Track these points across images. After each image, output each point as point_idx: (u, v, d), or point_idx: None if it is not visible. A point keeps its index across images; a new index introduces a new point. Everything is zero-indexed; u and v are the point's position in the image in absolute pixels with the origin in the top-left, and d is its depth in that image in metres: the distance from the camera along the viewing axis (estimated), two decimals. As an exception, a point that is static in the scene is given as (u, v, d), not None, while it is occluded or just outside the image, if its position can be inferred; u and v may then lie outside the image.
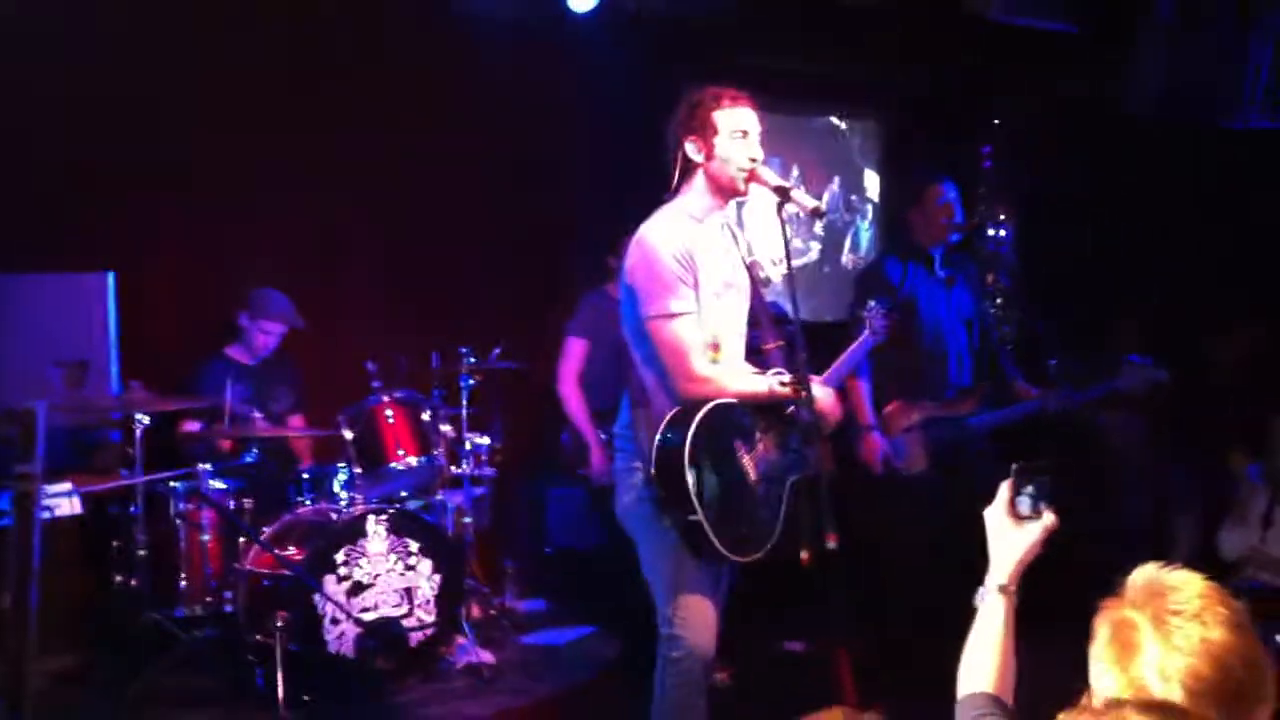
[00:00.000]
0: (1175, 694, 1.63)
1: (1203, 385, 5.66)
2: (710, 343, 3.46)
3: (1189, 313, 6.24)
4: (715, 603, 3.48)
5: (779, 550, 3.57)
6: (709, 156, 3.45)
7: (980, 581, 2.17)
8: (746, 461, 3.43)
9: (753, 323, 3.70)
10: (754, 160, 3.43)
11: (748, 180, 3.46)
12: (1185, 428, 5.87)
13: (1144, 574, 1.76)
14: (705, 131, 3.44)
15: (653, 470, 3.33)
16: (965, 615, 2.19)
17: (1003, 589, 2.12)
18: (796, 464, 3.52)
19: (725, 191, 3.50)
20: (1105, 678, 1.72)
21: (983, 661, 2.07)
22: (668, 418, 3.34)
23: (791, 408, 3.46)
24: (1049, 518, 2.15)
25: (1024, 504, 2.16)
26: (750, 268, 3.71)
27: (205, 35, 5.57)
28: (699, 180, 3.49)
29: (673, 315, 3.35)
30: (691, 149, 3.46)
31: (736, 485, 3.39)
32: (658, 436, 3.33)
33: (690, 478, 3.24)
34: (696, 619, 3.41)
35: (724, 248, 3.57)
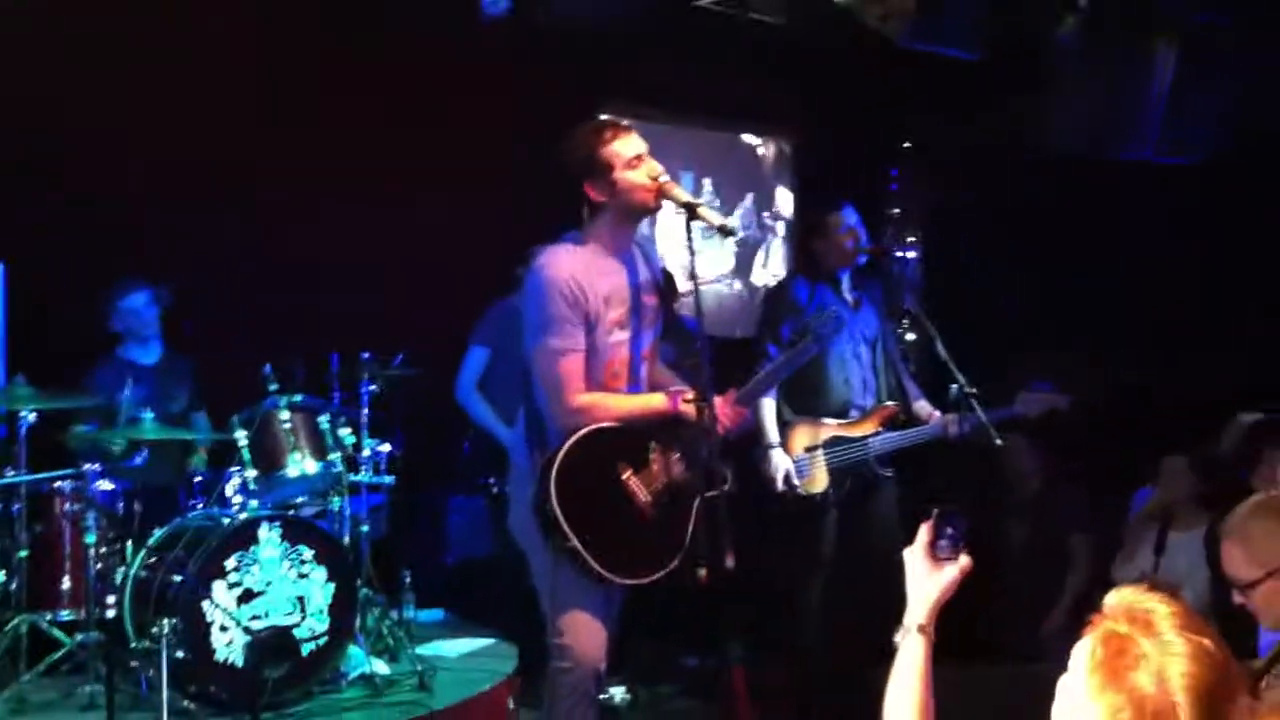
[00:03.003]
0: (1179, 698, 1.65)
1: (1102, 411, 5.76)
2: (611, 372, 3.50)
3: (1090, 339, 6.37)
4: (605, 615, 3.48)
5: (677, 569, 3.57)
6: (614, 191, 3.46)
7: (880, 605, 2.22)
8: (634, 483, 3.44)
9: (669, 339, 3.72)
10: (656, 178, 3.45)
11: (658, 196, 3.47)
12: (1083, 453, 5.98)
13: (1119, 594, 1.78)
14: (602, 170, 3.45)
15: (531, 498, 3.38)
16: (865, 633, 2.24)
17: (921, 628, 2.18)
18: (701, 481, 3.49)
19: (634, 215, 3.54)
20: (1088, 705, 1.71)
21: (904, 701, 2.13)
22: (549, 453, 3.37)
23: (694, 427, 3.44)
24: (964, 559, 2.22)
25: (943, 546, 2.22)
26: (661, 286, 3.70)
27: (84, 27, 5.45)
28: (608, 215, 3.51)
29: (553, 350, 3.39)
30: (593, 192, 3.47)
31: (620, 509, 3.40)
32: (539, 466, 3.37)
33: (560, 509, 3.28)
34: (584, 630, 3.43)
35: (632, 273, 3.57)
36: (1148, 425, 5.91)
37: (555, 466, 3.31)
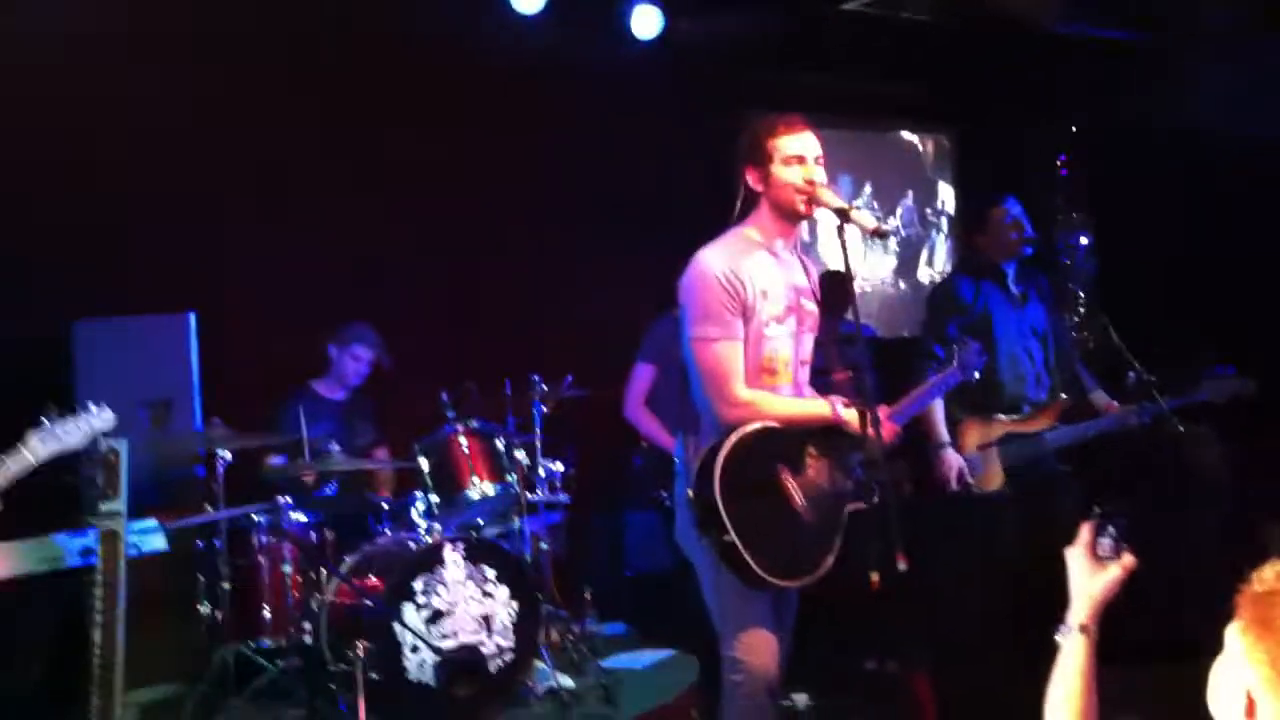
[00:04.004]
0: None
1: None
2: (767, 368, 3.46)
3: (1271, 324, 6.10)
4: (777, 625, 3.46)
5: (849, 575, 3.56)
6: (767, 185, 3.47)
7: (1057, 605, 2.20)
8: (791, 486, 3.40)
9: (821, 350, 3.69)
10: (811, 183, 3.43)
11: (808, 203, 3.46)
12: (1270, 439, 5.72)
13: (1268, 567, 1.75)
14: (763, 160, 3.46)
15: (690, 492, 3.35)
16: (1044, 636, 2.22)
17: (1083, 628, 2.17)
18: (854, 493, 3.48)
19: (787, 216, 3.51)
20: (1244, 666, 1.70)
21: (1065, 701, 2.12)
22: (710, 443, 3.35)
23: (852, 436, 3.42)
24: (1128, 559, 2.21)
25: (1105, 545, 2.22)
26: (819, 295, 3.69)
27: (274, 78, 5.70)
28: (762, 208, 3.52)
29: (712, 339, 3.38)
30: (751, 178, 3.49)
31: (777, 510, 3.36)
32: (697, 460, 3.34)
33: (721, 500, 3.24)
34: (756, 642, 3.40)
35: (789, 274, 3.57)
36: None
37: (721, 456, 3.27)
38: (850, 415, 3.41)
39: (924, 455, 4.94)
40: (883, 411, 3.53)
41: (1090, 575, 2.21)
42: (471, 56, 6.15)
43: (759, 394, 3.42)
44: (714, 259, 3.43)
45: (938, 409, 4.87)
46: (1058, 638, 2.19)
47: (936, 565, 3.70)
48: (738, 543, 3.24)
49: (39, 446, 3.57)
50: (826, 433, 3.48)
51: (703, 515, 3.30)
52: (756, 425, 3.37)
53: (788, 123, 3.49)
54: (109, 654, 4.02)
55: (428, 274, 6.07)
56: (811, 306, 3.62)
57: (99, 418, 3.66)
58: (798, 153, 3.45)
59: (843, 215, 3.39)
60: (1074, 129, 8.00)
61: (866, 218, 3.44)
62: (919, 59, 6.92)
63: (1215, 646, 1.82)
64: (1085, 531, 2.25)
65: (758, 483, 3.35)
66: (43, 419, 3.55)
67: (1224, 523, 5.62)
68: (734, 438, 3.32)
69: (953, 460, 4.88)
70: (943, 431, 4.89)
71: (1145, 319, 6.52)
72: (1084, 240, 7.94)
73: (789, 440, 3.43)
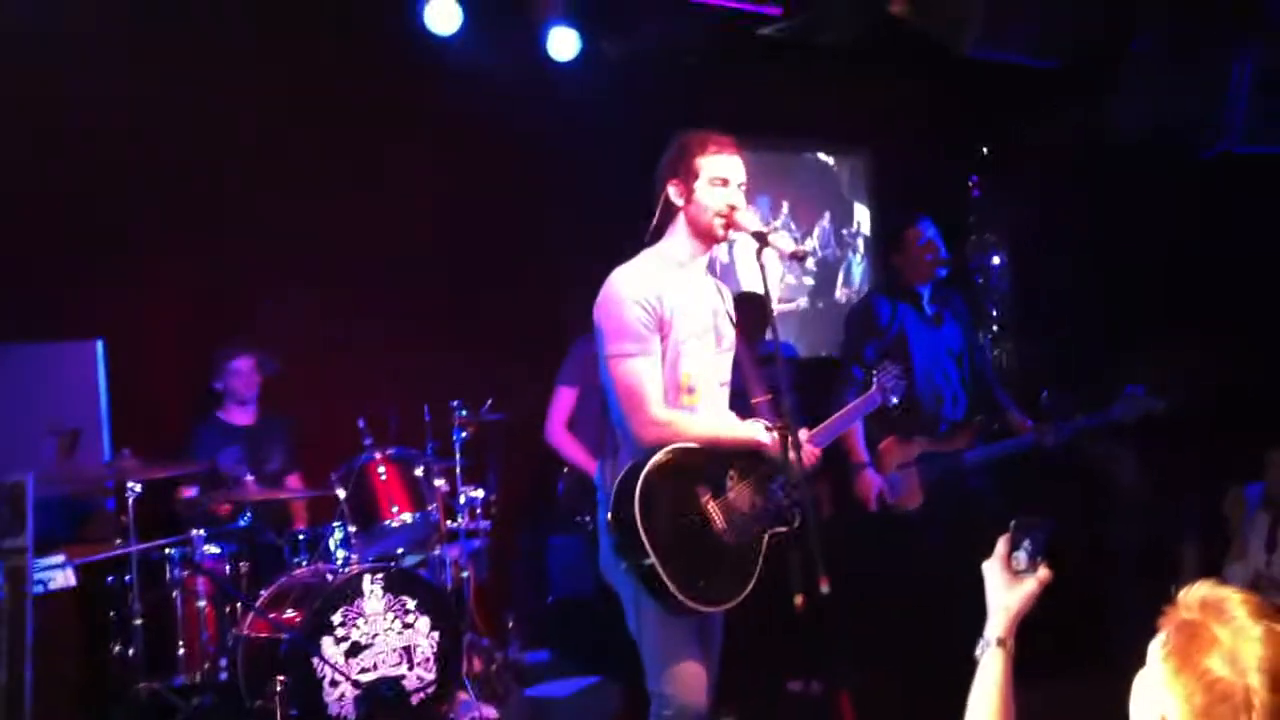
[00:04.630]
0: (1253, 680, 1.65)
1: (1200, 412, 5.63)
2: (685, 387, 3.44)
3: (1182, 338, 6.22)
4: (703, 655, 3.42)
5: (772, 597, 3.55)
6: (688, 201, 3.46)
7: (978, 622, 2.20)
8: (712, 509, 3.37)
9: (739, 372, 3.68)
10: (732, 207, 3.43)
11: (726, 226, 3.45)
12: (1183, 457, 5.84)
13: (1195, 590, 1.78)
14: (687, 176, 3.45)
15: (609, 516, 3.31)
16: (967, 651, 2.21)
17: (1000, 642, 2.15)
18: (775, 515, 3.46)
19: (704, 236, 3.50)
20: (1163, 693, 1.72)
21: (985, 714, 2.10)
22: (629, 464, 3.32)
23: (773, 458, 3.41)
24: (1043, 572, 2.19)
25: (1020, 558, 2.20)
26: (735, 319, 3.68)
27: (192, 90, 5.61)
28: (680, 224, 3.50)
29: (629, 355, 3.35)
30: (673, 192, 3.48)
31: (698, 533, 3.33)
32: (615, 482, 3.31)
33: (641, 522, 3.20)
34: (684, 675, 3.35)
35: (705, 294, 3.56)
36: (1248, 422, 5.75)
37: (641, 477, 3.24)
38: (770, 438, 3.41)
39: (844, 475, 4.97)
40: (804, 434, 3.54)
41: (1007, 589, 2.19)
42: (386, 73, 6.09)
43: (677, 414, 3.40)
44: (628, 278, 3.42)
45: (858, 429, 4.91)
46: (976, 653, 2.17)
47: (858, 584, 3.70)
48: (657, 565, 3.20)
49: None
50: (748, 455, 3.46)
51: (621, 538, 3.26)
52: (677, 446, 3.34)
53: (718, 143, 3.48)
54: (16, 694, 3.91)
55: (340, 299, 5.97)
56: (728, 327, 3.62)
57: None
58: (723, 175, 3.44)
59: (761, 239, 3.39)
60: (985, 150, 8.12)
61: (785, 240, 3.44)
62: (834, 79, 6.98)
63: (1131, 662, 1.84)
64: (1001, 545, 2.23)
65: (678, 505, 3.31)
66: None
67: (1140, 540, 5.72)
68: (654, 459, 3.29)
69: (872, 480, 4.92)
70: (863, 451, 4.93)
71: (1059, 338, 6.67)
72: (996, 260, 8.05)
73: (710, 462, 3.41)
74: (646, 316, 3.36)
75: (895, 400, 3.96)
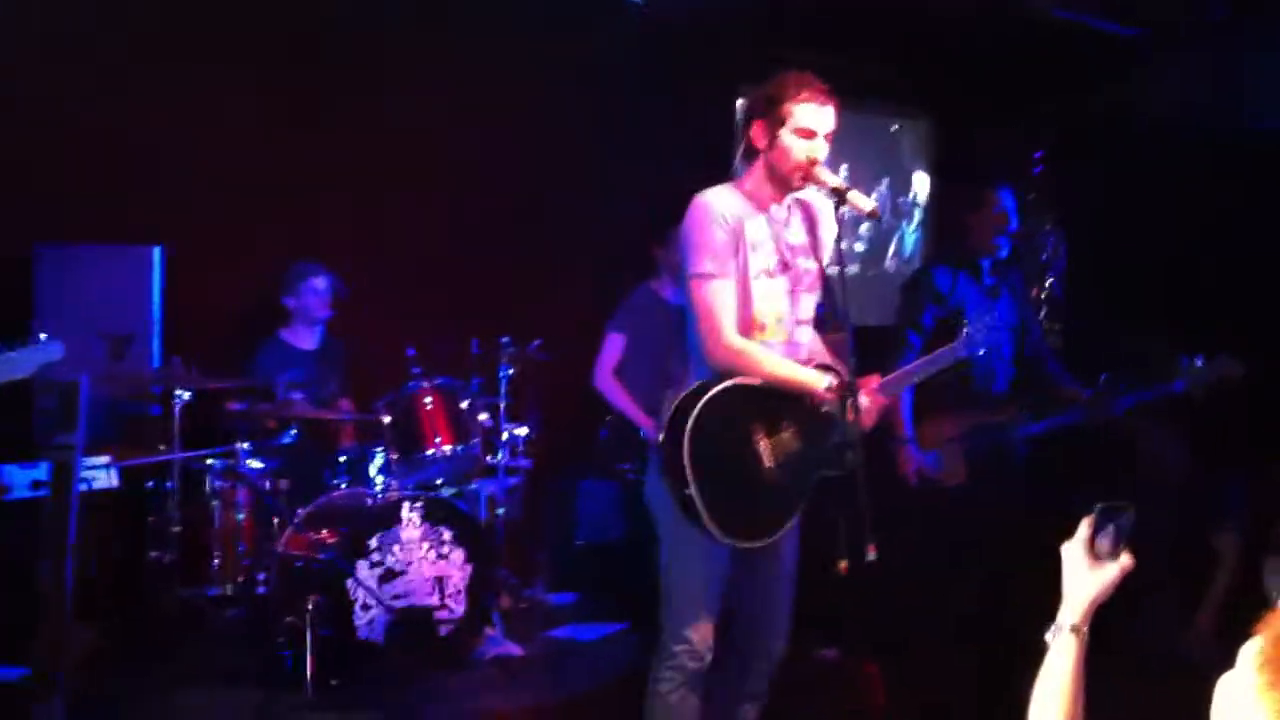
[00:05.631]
0: None
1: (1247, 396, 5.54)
2: (756, 323, 3.41)
3: (1241, 321, 6.11)
4: (716, 604, 3.43)
5: (808, 562, 3.54)
6: (770, 146, 3.40)
7: (1013, 597, 2.15)
8: (763, 446, 3.35)
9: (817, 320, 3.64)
10: (813, 160, 3.37)
11: (803, 178, 3.40)
12: (1230, 441, 5.73)
13: None
14: (776, 120, 3.38)
15: (659, 436, 3.31)
16: (1001, 628, 2.18)
17: (1075, 628, 2.07)
18: (826, 460, 3.41)
19: (781, 184, 3.44)
20: (1253, 703, 1.62)
21: (1053, 702, 2.03)
22: (688, 389, 3.30)
23: (828, 407, 3.38)
24: (1126, 559, 2.10)
25: (1104, 543, 2.11)
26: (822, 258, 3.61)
27: (250, 20, 5.58)
28: (758, 168, 3.45)
29: (710, 276, 3.32)
30: (756, 134, 3.42)
31: (744, 467, 3.31)
32: (674, 402, 3.29)
33: (688, 449, 3.20)
34: (693, 615, 3.39)
35: (783, 232, 3.50)
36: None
37: (700, 403, 3.23)
38: (830, 394, 3.35)
39: (888, 449, 4.91)
40: (874, 381, 3.49)
41: (1087, 573, 2.10)
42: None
43: (752, 344, 3.37)
44: (715, 198, 3.38)
45: (904, 402, 4.85)
46: (1047, 637, 2.09)
47: (899, 557, 3.66)
48: (694, 494, 3.21)
49: None
50: (805, 400, 3.42)
51: (667, 460, 3.26)
52: (739, 381, 3.31)
53: (812, 90, 3.39)
54: (57, 591, 3.93)
55: (400, 227, 5.96)
56: (811, 265, 3.55)
57: (49, 349, 3.51)
58: (811, 125, 3.37)
59: (839, 195, 3.34)
60: (1051, 125, 8.00)
61: (862, 199, 3.38)
62: (903, 40, 6.87)
63: (1166, 653, 1.78)
64: (1084, 528, 2.13)
65: (729, 438, 3.30)
66: None
67: (1177, 526, 5.65)
68: (716, 389, 3.28)
69: (913, 456, 4.85)
70: (907, 426, 4.86)
71: (1117, 316, 6.56)
72: (1055, 237, 7.96)
73: (771, 400, 3.37)
74: (726, 238, 3.33)
75: (981, 352, 3.83)
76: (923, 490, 4.87)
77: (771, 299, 3.44)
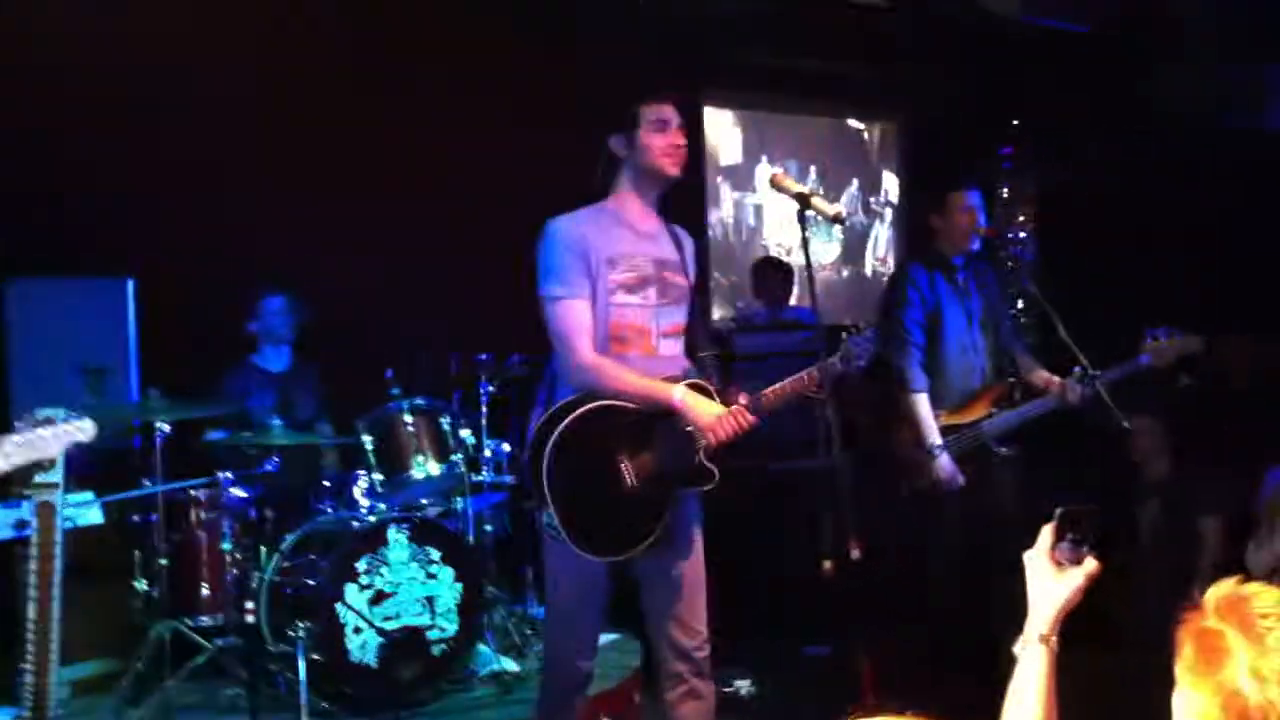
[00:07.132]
0: (1273, 694, 1.56)
1: (1227, 387, 5.60)
2: (614, 336, 3.47)
3: (1215, 316, 6.18)
4: (591, 617, 3.56)
5: (793, 561, 3.57)
6: (633, 148, 3.53)
7: (996, 600, 2.13)
8: (625, 465, 3.40)
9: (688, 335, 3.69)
10: (677, 147, 3.51)
11: (674, 164, 3.52)
12: (1210, 431, 5.79)
13: (1220, 589, 1.69)
14: (629, 127, 3.53)
15: (524, 456, 3.42)
16: (987, 624, 2.16)
17: (1043, 638, 2.00)
18: (688, 477, 3.47)
19: (652, 177, 3.56)
20: (1190, 697, 1.65)
21: (1026, 716, 1.95)
22: (549, 411, 3.38)
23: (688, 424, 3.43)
24: (1091, 563, 2.04)
25: (1065, 550, 2.04)
26: (689, 273, 3.67)
27: (221, 39, 5.58)
28: (624, 176, 3.58)
29: (557, 298, 3.43)
30: (616, 145, 3.56)
31: (606, 486, 3.37)
32: (535, 426, 3.39)
33: (547, 472, 3.27)
34: (565, 627, 3.56)
35: (648, 246, 3.57)
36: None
37: (559, 428, 3.29)
38: (696, 401, 3.41)
39: (907, 456, 4.84)
40: (741, 398, 3.50)
41: (1051, 581, 2.02)
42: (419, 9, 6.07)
43: (604, 360, 3.44)
44: (563, 224, 3.51)
45: (925, 407, 4.77)
46: (1015, 650, 2.01)
47: (882, 556, 3.67)
48: (553, 512, 3.28)
49: (12, 453, 3.37)
50: (670, 416, 3.44)
51: (530, 483, 3.35)
52: (601, 402, 3.38)
53: (656, 96, 3.57)
54: (44, 629, 3.91)
55: (375, 247, 5.96)
56: (680, 280, 3.62)
57: (81, 429, 3.46)
58: (662, 118, 3.51)
59: (803, 200, 3.40)
60: (1015, 123, 8.07)
61: (824, 203, 3.43)
62: (870, 43, 6.92)
63: (1152, 639, 1.77)
64: (1046, 534, 2.06)
65: (592, 458, 3.37)
66: (16, 425, 3.35)
67: (1163, 515, 5.70)
68: (575, 412, 3.34)
69: (945, 466, 4.71)
70: (934, 432, 4.71)
71: (1085, 311, 6.60)
72: (1024, 234, 8.01)
73: (632, 419, 3.42)
74: (573, 259, 3.43)
75: (860, 365, 3.76)
76: (903, 490, 4.87)
77: (631, 313, 3.51)
